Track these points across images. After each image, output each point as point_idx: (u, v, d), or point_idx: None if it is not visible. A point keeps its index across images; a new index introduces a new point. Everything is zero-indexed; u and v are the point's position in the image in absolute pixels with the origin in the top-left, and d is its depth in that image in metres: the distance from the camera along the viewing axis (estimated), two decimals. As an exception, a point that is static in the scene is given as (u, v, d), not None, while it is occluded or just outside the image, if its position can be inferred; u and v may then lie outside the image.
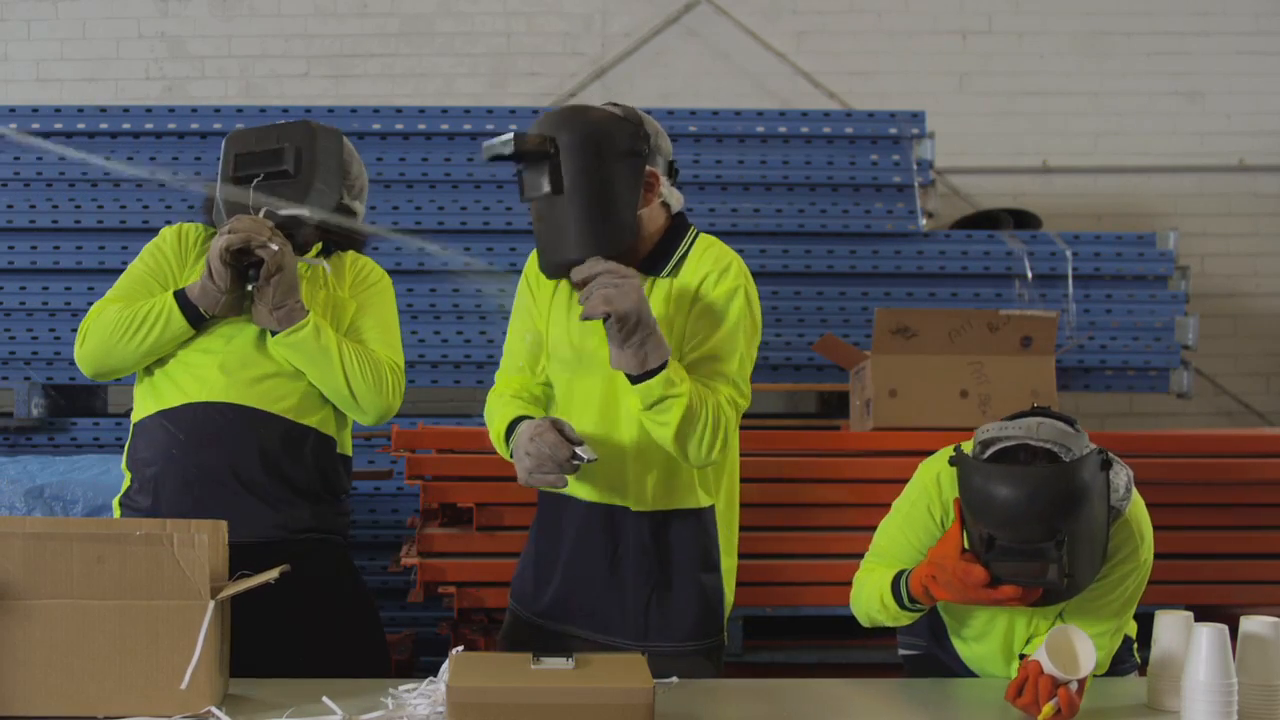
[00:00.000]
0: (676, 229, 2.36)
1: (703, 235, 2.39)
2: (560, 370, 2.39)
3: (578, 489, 2.34)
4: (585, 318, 2.15)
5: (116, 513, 2.49)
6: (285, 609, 2.28)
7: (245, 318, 2.44)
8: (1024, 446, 2.04)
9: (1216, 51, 5.56)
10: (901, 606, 2.22)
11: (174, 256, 2.54)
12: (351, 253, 2.65)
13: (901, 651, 2.51)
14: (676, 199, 2.37)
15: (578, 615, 2.37)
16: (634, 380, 2.18)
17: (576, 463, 2.18)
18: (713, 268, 2.31)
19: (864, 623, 2.35)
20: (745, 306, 2.29)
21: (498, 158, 2.24)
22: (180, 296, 2.41)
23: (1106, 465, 2.05)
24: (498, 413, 2.39)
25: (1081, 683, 2.00)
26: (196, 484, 2.38)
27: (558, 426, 2.20)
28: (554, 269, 2.31)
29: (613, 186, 2.26)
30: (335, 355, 2.44)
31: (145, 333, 2.40)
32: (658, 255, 2.33)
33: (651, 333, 2.15)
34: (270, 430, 2.43)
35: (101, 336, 2.41)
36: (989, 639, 2.28)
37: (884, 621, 2.29)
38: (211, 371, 2.42)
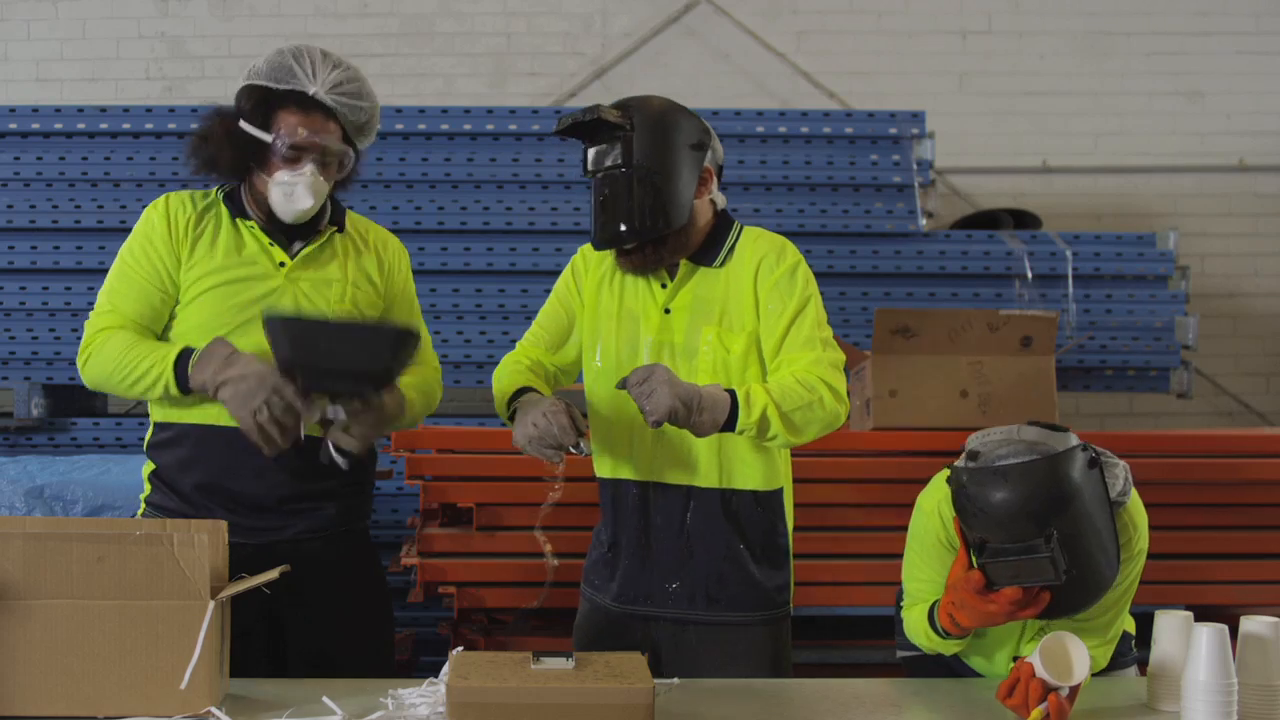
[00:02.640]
0: (723, 224, 2.50)
1: (748, 227, 2.51)
2: (613, 357, 2.47)
3: (631, 473, 2.45)
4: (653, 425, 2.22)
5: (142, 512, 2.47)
6: (320, 599, 2.34)
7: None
8: (1005, 443, 2.06)
9: (1216, 51, 5.57)
10: (945, 639, 2.24)
11: (165, 249, 2.40)
12: (362, 224, 2.56)
13: (900, 654, 2.51)
14: (721, 199, 2.52)
15: (652, 594, 2.46)
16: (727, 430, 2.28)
17: (573, 452, 2.27)
18: (769, 250, 2.44)
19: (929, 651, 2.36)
20: (807, 275, 2.44)
21: (575, 125, 2.39)
22: (180, 366, 2.29)
23: (1094, 463, 2.04)
24: (508, 375, 2.46)
25: (1074, 690, 1.99)
26: (235, 503, 2.34)
27: (570, 413, 2.28)
28: (607, 239, 2.41)
29: (677, 170, 2.40)
30: (408, 415, 2.45)
31: (141, 388, 2.33)
32: (708, 247, 2.46)
33: (700, 402, 2.22)
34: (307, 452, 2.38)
35: (102, 370, 2.36)
36: (999, 655, 2.30)
37: (947, 651, 2.31)
38: None
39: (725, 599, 2.43)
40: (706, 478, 2.42)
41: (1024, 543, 1.99)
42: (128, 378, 2.32)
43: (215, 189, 2.48)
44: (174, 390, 2.29)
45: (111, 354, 2.34)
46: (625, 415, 2.43)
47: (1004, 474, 1.99)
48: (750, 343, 2.40)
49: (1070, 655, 2.00)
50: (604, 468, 2.51)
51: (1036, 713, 1.94)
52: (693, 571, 2.43)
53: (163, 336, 2.42)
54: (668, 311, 2.43)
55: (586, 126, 2.41)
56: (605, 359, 2.47)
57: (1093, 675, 2.28)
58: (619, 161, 2.37)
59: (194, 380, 2.27)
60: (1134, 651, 2.41)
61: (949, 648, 2.28)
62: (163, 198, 2.46)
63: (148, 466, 2.46)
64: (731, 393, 2.26)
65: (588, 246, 2.55)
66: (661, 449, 2.42)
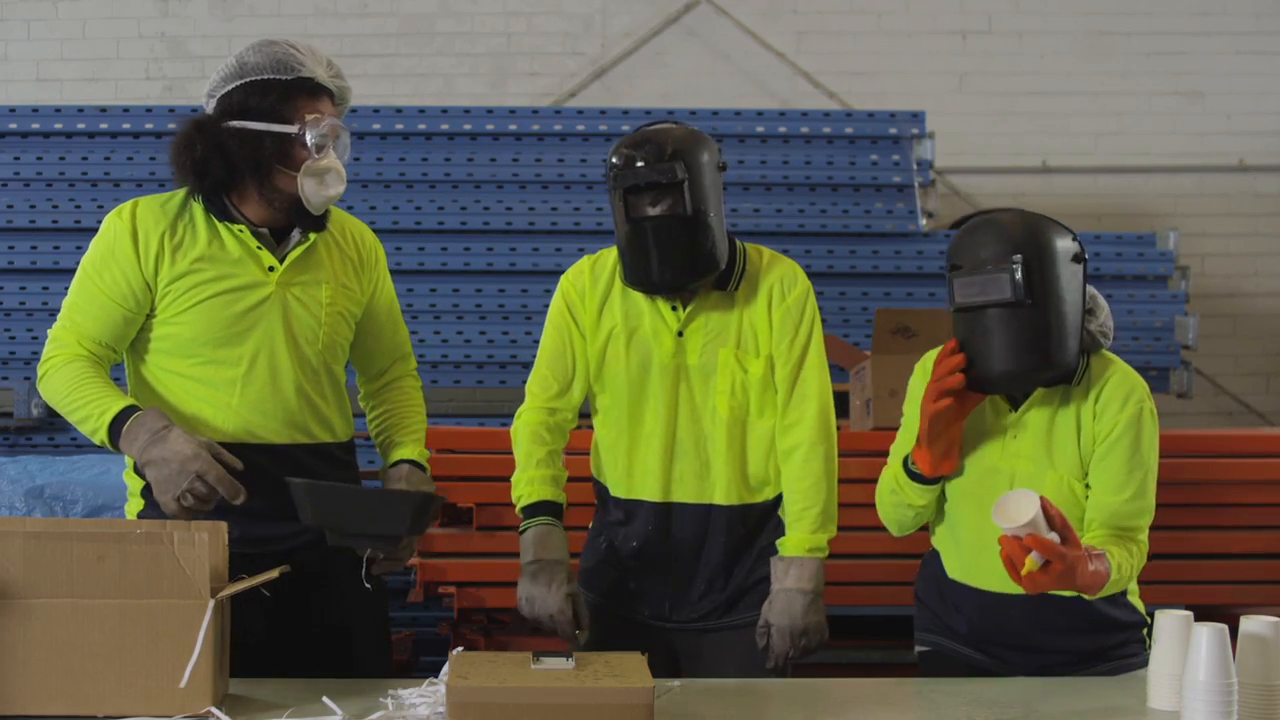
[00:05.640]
0: (731, 247, 2.49)
1: (748, 245, 2.52)
2: (623, 379, 2.46)
3: (649, 494, 2.45)
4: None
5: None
6: (315, 604, 2.33)
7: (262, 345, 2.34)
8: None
9: (1216, 51, 5.57)
10: (909, 475, 2.33)
11: (130, 266, 2.31)
12: (335, 215, 2.45)
13: (917, 648, 2.50)
14: None
15: (674, 610, 2.47)
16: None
17: (570, 646, 2.33)
18: (781, 276, 2.47)
19: (891, 528, 2.47)
20: (815, 308, 2.49)
21: (648, 184, 2.33)
22: (116, 427, 2.20)
23: (1080, 259, 2.23)
24: (524, 469, 2.47)
25: (1056, 523, 2.01)
26: (226, 517, 2.23)
27: (578, 613, 2.37)
28: (663, 284, 2.38)
29: (718, 207, 2.42)
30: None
31: (85, 430, 2.27)
32: (725, 270, 2.45)
33: (816, 606, 2.39)
34: (301, 460, 2.36)
35: (51, 399, 2.30)
36: (975, 538, 2.34)
37: (902, 508, 2.39)
38: (231, 413, 2.32)
39: (743, 603, 2.46)
40: (726, 496, 2.44)
41: (992, 265, 2.19)
42: (72, 415, 2.28)
43: (184, 191, 2.36)
44: (111, 448, 2.24)
45: (58, 387, 2.28)
46: (642, 438, 2.45)
47: (995, 214, 2.31)
48: (767, 366, 2.43)
49: (1019, 504, 2.02)
50: (619, 488, 2.49)
51: (1030, 562, 1.97)
52: (714, 585, 2.45)
53: (151, 350, 2.34)
54: (681, 335, 2.43)
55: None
56: (616, 381, 2.46)
57: (1093, 671, 2.28)
58: (675, 210, 2.34)
59: (124, 450, 2.22)
60: (1145, 650, 2.34)
61: (912, 496, 2.35)
62: (127, 207, 2.36)
63: (136, 482, 2.37)
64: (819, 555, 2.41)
65: (573, 273, 2.51)
66: (682, 470, 2.44)
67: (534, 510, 2.43)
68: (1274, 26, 5.58)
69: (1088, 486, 2.28)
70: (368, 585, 2.36)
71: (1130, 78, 5.56)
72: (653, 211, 2.35)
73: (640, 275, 2.39)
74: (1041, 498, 2.02)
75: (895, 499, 2.40)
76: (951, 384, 2.22)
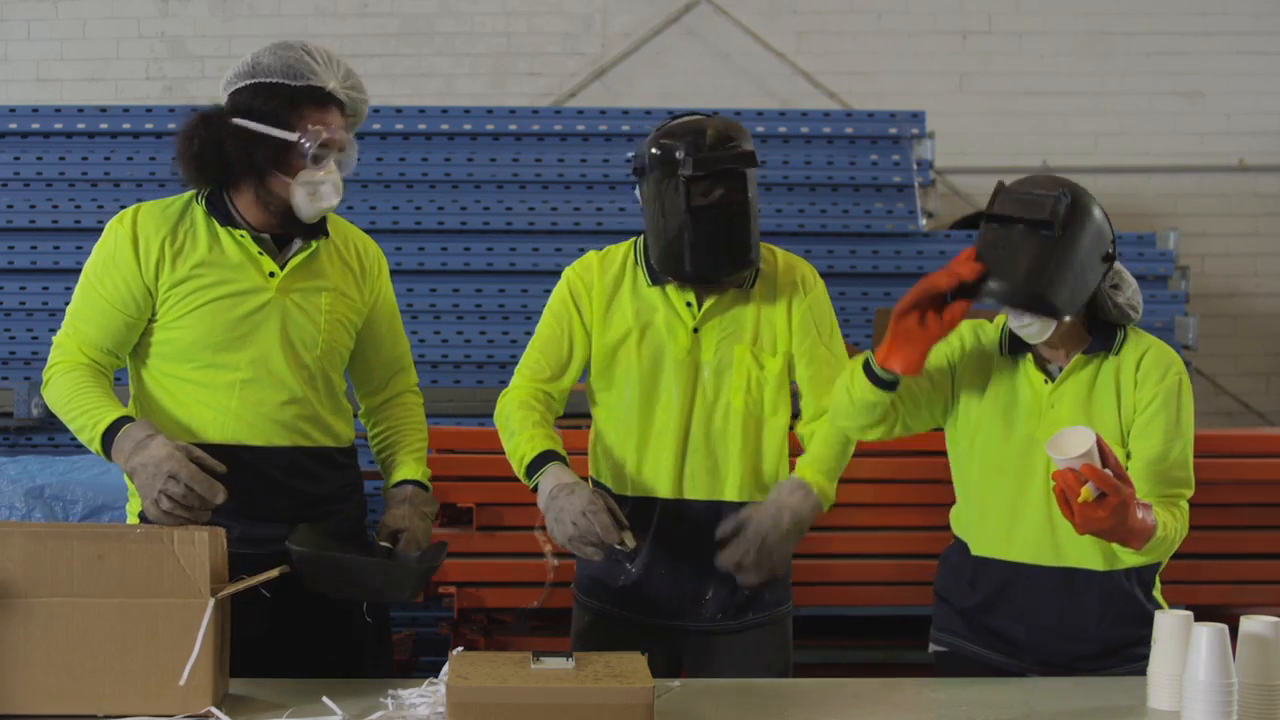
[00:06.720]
0: None
1: (762, 244, 2.50)
2: (635, 375, 2.44)
3: (659, 491, 2.44)
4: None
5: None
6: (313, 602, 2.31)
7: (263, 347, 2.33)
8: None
9: (1216, 51, 5.57)
10: (865, 371, 2.28)
11: (131, 271, 2.31)
12: (340, 225, 2.46)
13: (933, 648, 2.50)
14: None
15: (683, 610, 2.46)
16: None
17: (620, 548, 2.25)
18: (801, 276, 2.48)
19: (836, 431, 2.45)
20: (829, 298, 2.52)
21: (727, 167, 2.32)
22: (108, 438, 2.19)
23: (1110, 258, 2.30)
24: (520, 432, 2.39)
25: (1117, 469, 2.03)
26: (228, 519, 2.23)
27: (610, 509, 2.24)
28: (720, 270, 2.37)
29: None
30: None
31: (83, 439, 2.25)
32: None
33: (794, 538, 2.37)
34: (301, 464, 2.37)
35: (53, 406, 2.30)
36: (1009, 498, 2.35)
37: (839, 391, 2.35)
38: (230, 416, 2.31)
39: (754, 607, 2.46)
40: (739, 493, 2.43)
41: (1041, 193, 2.22)
42: (70, 425, 2.27)
43: (188, 195, 2.36)
44: (106, 458, 2.23)
45: (58, 395, 2.27)
46: (654, 434, 2.43)
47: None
48: (785, 364, 2.44)
49: (1073, 440, 2.05)
50: (627, 485, 2.46)
51: (1085, 491, 2.01)
52: (724, 587, 2.43)
53: (152, 354, 2.34)
54: (696, 331, 2.42)
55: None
56: (627, 378, 2.44)
57: (1109, 673, 2.28)
58: (736, 195, 2.33)
59: (115, 460, 2.20)
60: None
61: (862, 392, 2.30)
62: (128, 213, 2.36)
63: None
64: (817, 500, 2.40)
65: (579, 265, 2.49)
66: (693, 467, 2.43)
67: (540, 460, 2.34)
68: (1274, 26, 5.58)
69: (1128, 455, 2.31)
70: (369, 619, 2.38)
71: (1130, 78, 5.57)
72: (715, 198, 2.32)
73: (693, 264, 2.34)
74: (1097, 435, 2.04)
75: (845, 396, 2.35)
76: (966, 273, 2.18)
